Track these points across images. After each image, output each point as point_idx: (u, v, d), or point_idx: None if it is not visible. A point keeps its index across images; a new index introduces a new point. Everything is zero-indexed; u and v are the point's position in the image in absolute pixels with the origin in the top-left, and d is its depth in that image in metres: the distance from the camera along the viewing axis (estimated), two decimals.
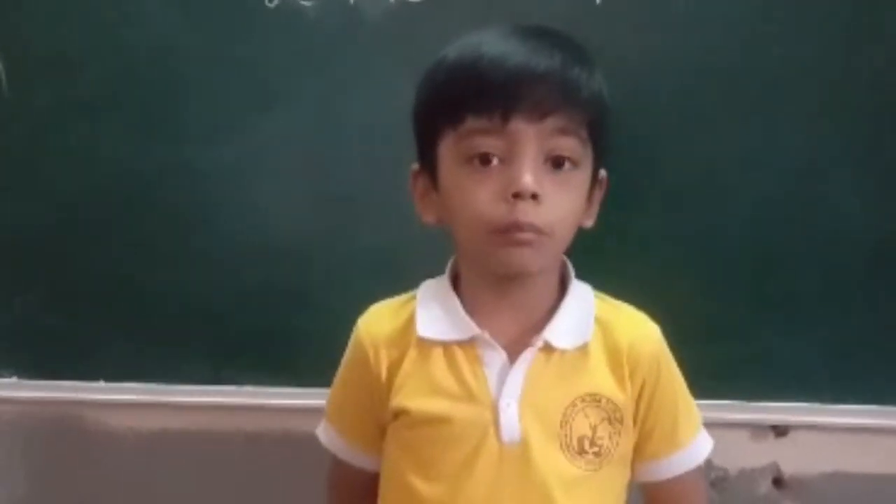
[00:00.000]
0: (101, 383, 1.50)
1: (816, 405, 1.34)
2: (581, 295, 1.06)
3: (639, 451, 1.07)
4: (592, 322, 1.03)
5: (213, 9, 1.39)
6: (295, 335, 1.39)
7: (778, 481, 1.39)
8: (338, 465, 1.16)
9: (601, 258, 1.33)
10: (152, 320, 1.47)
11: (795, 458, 1.38)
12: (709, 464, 1.38)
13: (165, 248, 1.46)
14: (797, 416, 1.35)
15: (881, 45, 1.26)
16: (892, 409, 1.33)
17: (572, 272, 1.07)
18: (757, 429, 1.38)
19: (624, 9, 1.29)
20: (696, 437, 1.09)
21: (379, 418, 1.07)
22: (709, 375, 1.34)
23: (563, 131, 0.95)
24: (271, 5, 1.37)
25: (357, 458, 1.13)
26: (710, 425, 1.33)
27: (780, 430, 1.36)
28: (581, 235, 1.32)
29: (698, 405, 1.31)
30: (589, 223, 1.05)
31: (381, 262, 1.36)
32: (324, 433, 1.16)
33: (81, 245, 1.48)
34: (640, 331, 1.06)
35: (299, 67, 1.38)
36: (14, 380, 1.53)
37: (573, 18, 1.29)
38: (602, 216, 1.32)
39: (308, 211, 1.40)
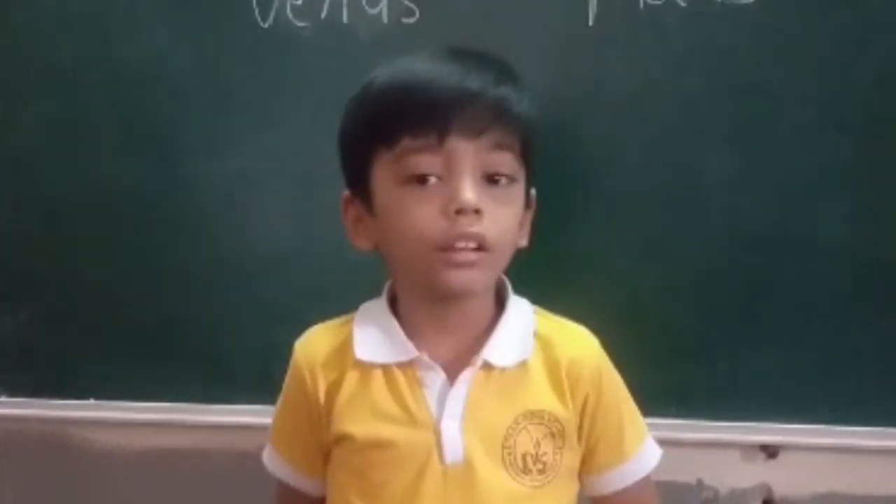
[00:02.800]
0: (91, 401, 1.50)
1: (807, 426, 1.34)
2: (520, 311, 1.06)
3: (586, 465, 1.06)
4: (531, 338, 1.03)
5: (208, 28, 1.40)
6: (286, 353, 1.39)
7: (768, 502, 1.38)
8: (283, 491, 1.15)
9: (588, 277, 1.35)
10: (142, 338, 1.47)
11: (786, 478, 1.37)
12: (699, 484, 1.39)
13: (156, 266, 1.46)
14: (788, 437, 1.35)
15: (868, 65, 1.27)
16: (884, 430, 1.33)
17: (510, 289, 1.06)
18: (747, 449, 1.37)
19: (616, 30, 1.30)
20: (642, 447, 1.09)
21: (321, 442, 1.07)
22: (699, 396, 1.35)
23: (500, 146, 0.95)
24: (265, 25, 1.38)
25: (302, 482, 1.12)
26: (700, 445, 1.35)
27: (770, 451, 1.36)
28: (571, 255, 1.33)
29: (690, 425, 1.33)
30: (524, 242, 1.05)
31: (375, 280, 1.35)
32: (268, 459, 1.15)
33: (71, 263, 1.48)
34: (580, 345, 1.06)
35: (293, 86, 1.38)
36: (4, 398, 1.53)
37: (566, 39, 1.31)
38: (592, 232, 1.34)
39: (301, 229, 1.41)
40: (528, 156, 0.99)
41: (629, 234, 1.35)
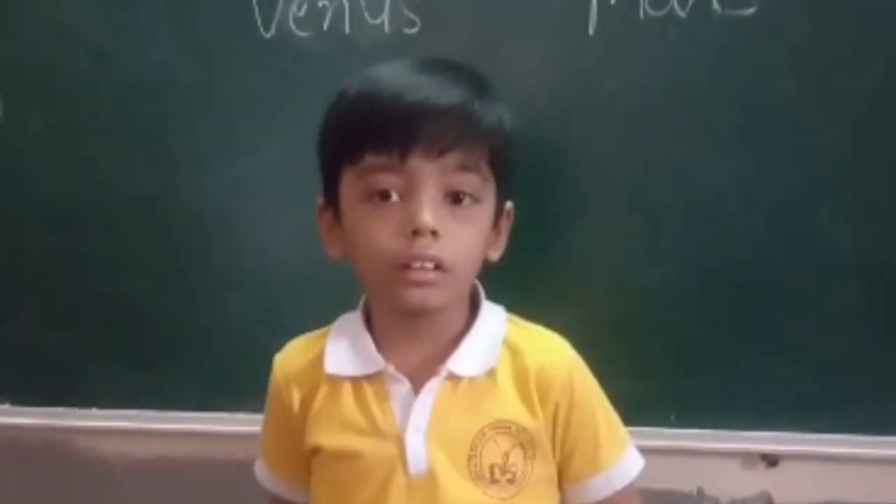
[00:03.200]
0: (94, 410, 1.51)
1: (808, 434, 1.34)
2: (491, 319, 1.05)
3: (563, 474, 1.05)
4: (499, 347, 1.02)
5: (210, 38, 1.41)
6: None
7: None
8: (273, 502, 1.17)
9: (586, 284, 1.35)
10: (145, 346, 1.48)
11: (787, 487, 1.37)
12: (700, 493, 1.39)
13: (160, 274, 1.46)
14: (788, 446, 1.35)
15: (869, 74, 1.27)
16: (884, 439, 1.32)
17: (482, 296, 1.06)
18: (748, 458, 1.37)
19: (616, 39, 1.30)
20: (620, 457, 1.07)
21: (302, 454, 1.07)
22: (699, 404, 1.34)
23: (463, 167, 0.95)
24: (268, 35, 1.39)
25: (288, 493, 1.14)
26: (701, 454, 1.34)
27: (771, 460, 1.36)
28: (569, 262, 1.34)
29: (690, 434, 1.32)
30: (495, 256, 1.05)
31: None
32: (259, 471, 1.17)
33: (74, 270, 1.48)
34: (551, 353, 1.04)
35: (294, 96, 1.39)
36: (6, 406, 1.54)
37: (566, 49, 1.32)
38: (592, 240, 1.34)
39: (303, 238, 1.40)
40: (499, 171, 0.99)
41: (629, 241, 1.35)
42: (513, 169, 1.02)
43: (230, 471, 1.47)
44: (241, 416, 1.45)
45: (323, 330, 1.10)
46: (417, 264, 0.93)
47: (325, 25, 1.37)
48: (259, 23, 1.39)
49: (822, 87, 1.28)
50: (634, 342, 1.33)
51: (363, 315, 1.06)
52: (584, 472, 1.05)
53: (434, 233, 0.93)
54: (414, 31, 1.35)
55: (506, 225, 1.06)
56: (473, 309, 1.06)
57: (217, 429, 1.46)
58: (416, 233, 0.92)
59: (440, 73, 0.97)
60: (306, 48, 1.38)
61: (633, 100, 1.32)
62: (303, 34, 1.38)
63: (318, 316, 1.34)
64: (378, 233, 0.95)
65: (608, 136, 1.33)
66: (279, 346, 1.39)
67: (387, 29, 1.35)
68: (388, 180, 0.94)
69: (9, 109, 1.47)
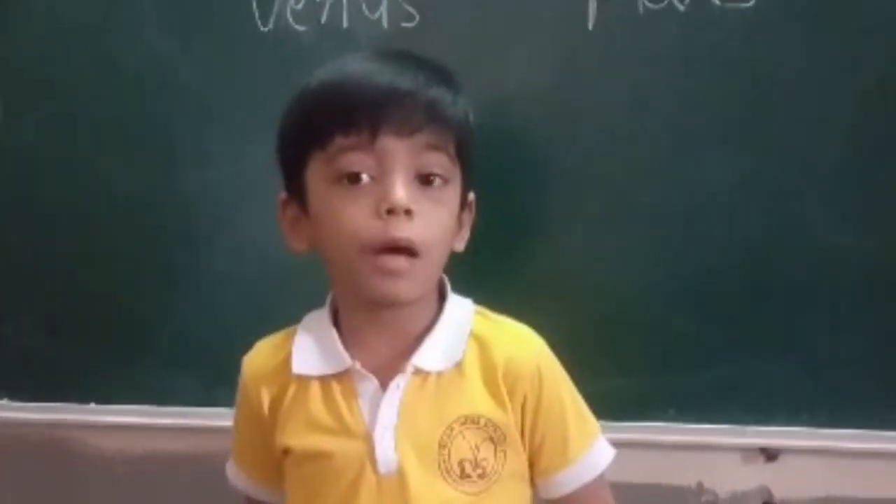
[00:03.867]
0: (92, 405, 1.50)
1: (807, 429, 1.34)
2: (458, 313, 1.04)
3: (533, 468, 1.04)
4: (465, 340, 1.01)
5: (208, 32, 1.41)
6: None
7: None
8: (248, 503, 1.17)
9: (586, 281, 1.35)
10: (143, 342, 1.48)
11: (786, 482, 1.37)
12: (699, 487, 1.39)
13: (157, 270, 1.46)
14: (788, 440, 1.35)
15: (868, 68, 1.27)
16: (884, 433, 1.32)
17: (448, 289, 1.05)
18: (747, 452, 1.37)
19: (616, 34, 1.30)
20: (590, 449, 1.06)
21: (273, 455, 1.07)
22: (699, 399, 1.34)
23: (433, 147, 0.95)
24: (265, 29, 1.38)
25: (262, 494, 1.14)
26: (700, 448, 1.34)
27: (770, 454, 1.36)
28: (567, 259, 1.33)
29: (689, 429, 1.32)
30: (460, 247, 1.04)
31: None
32: (231, 473, 1.16)
33: (72, 267, 1.49)
34: (518, 345, 1.03)
35: (293, 90, 1.37)
36: (4, 402, 1.54)
37: (565, 43, 1.31)
38: (591, 236, 1.34)
39: None
40: (463, 158, 0.99)
41: (627, 237, 1.35)
42: (473, 164, 1.02)
43: None
44: None
45: (291, 328, 1.09)
46: (392, 246, 0.92)
47: (323, 19, 1.36)
48: (257, 17, 1.38)
49: (822, 80, 1.28)
50: (634, 338, 1.33)
51: (330, 312, 1.05)
52: (554, 466, 1.04)
53: (408, 211, 0.92)
54: (412, 24, 1.34)
55: (468, 217, 1.05)
56: (441, 303, 1.04)
57: (215, 423, 1.45)
58: (390, 212, 0.92)
59: (403, 60, 0.98)
60: (304, 42, 1.38)
61: (631, 94, 1.32)
62: (301, 28, 1.37)
63: (314, 310, 1.34)
64: (350, 215, 0.93)
65: (606, 130, 1.33)
66: None
67: (385, 23, 1.35)
68: (358, 161, 0.93)
69: (7, 109, 1.47)
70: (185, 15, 1.41)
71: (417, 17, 1.34)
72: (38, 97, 1.46)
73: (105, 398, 1.50)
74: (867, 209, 1.30)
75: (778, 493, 1.38)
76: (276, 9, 1.38)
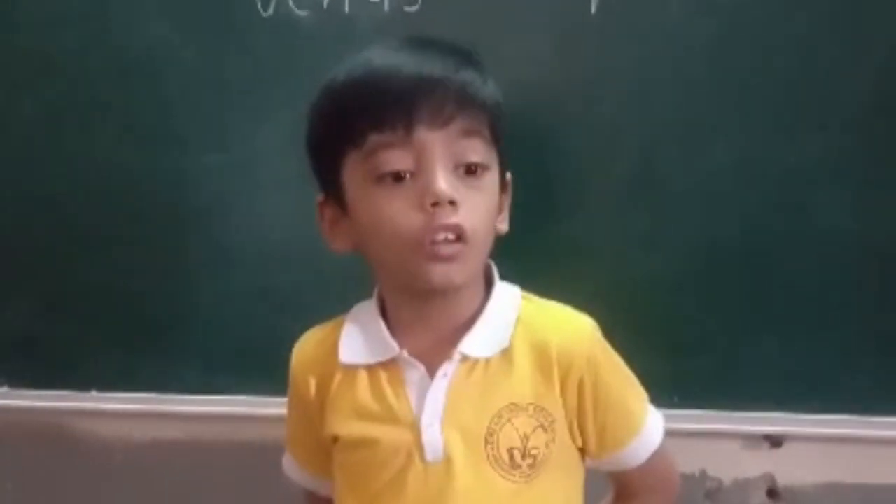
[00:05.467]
0: (93, 393, 1.50)
1: (811, 416, 1.34)
2: (505, 299, 1.03)
3: (598, 447, 1.03)
4: (512, 326, 1.00)
5: (209, 17, 1.40)
6: (287, 344, 1.38)
7: (772, 492, 1.38)
8: (307, 497, 1.16)
9: (589, 266, 1.34)
10: (144, 329, 1.47)
11: (790, 468, 1.37)
12: (703, 474, 1.39)
13: (158, 256, 1.46)
14: (792, 427, 1.35)
15: (870, 56, 1.26)
16: (888, 420, 1.33)
17: (496, 276, 1.04)
18: (751, 439, 1.37)
19: (619, 18, 1.30)
20: (649, 413, 1.07)
21: (323, 443, 1.06)
22: (703, 385, 1.34)
23: (469, 133, 0.93)
24: (267, 14, 1.38)
25: (319, 485, 1.13)
26: (704, 435, 1.34)
27: (774, 441, 1.36)
28: (571, 244, 1.33)
29: (693, 415, 1.32)
30: (504, 228, 1.03)
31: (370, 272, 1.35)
32: (287, 465, 1.16)
33: (72, 254, 1.48)
34: (569, 329, 1.02)
35: (294, 76, 1.37)
36: (5, 389, 1.53)
37: (569, 27, 1.31)
38: (595, 222, 1.34)
39: (301, 218, 1.39)
40: (497, 141, 0.98)
41: (631, 222, 1.35)
42: (506, 142, 1.00)
43: (228, 452, 1.48)
44: (239, 398, 1.45)
45: (338, 319, 1.08)
46: (441, 236, 0.92)
47: (325, 4, 1.36)
48: (258, 2, 1.38)
49: (825, 67, 1.28)
50: (637, 324, 1.32)
51: (377, 303, 1.05)
52: (622, 439, 1.04)
53: (452, 202, 0.91)
54: (414, 8, 1.34)
55: (507, 197, 1.04)
56: (487, 290, 1.04)
57: (217, 410, 1.46)
58: (435, 205, 0.91)
59: (427, 47, 0.96)
60: (305, 27, 1.37)
61: (635, 78, 1.31)
62: (302, 13, 1.37)
63: (316, 299, 1.33)
64: (394, 212, 0.92)
65: (609, 115, 1.32)
66: (276, 329, 1.39)
67: (387, 7, 1.35)
68: (397, 159, 0.92)
69: (6, 93, 1.46)
70: (187, 0, 1.40)
71: (420, 1, 1.34)
72: (36, 81, 1.45)
73: (105, 386, 1.49)
74: (869, 195, 1.30)
75: (782, 480, 1.38)
76: None
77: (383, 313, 1.04)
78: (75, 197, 1.46)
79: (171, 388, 1.48)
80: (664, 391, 1.32)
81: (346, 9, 1.35)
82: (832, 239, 1.30)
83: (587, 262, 1.35)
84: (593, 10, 1.30)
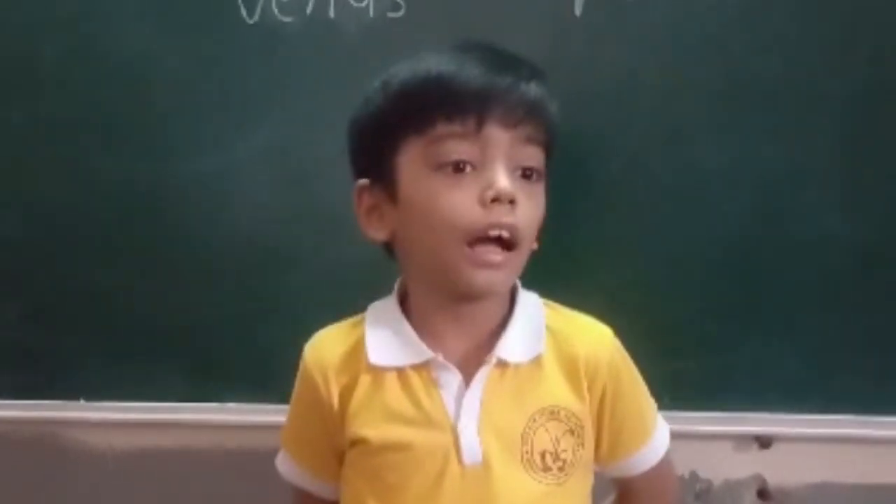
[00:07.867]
0: (81, 402, 1.49)
1: (801, 416, 1.34)
2: (530, 306, 1.05)
3: (612, 452, 1.06)
4: (544, 333, 1.02)
5: (194, 24, 1.39)
6: (276, 351, 1.38)
7: (762, 493, 1.38)
8: (298, 496, 1.15)
9: (580, 270, 1.34)
10: (131, 337, 1.46)
11: (780, 469, 1.37)
12: (693, 476, 1.38)
13: (144, 264, 1.45)
14: (781, 427, 1.35)
15: (860, 57, 1.27)
16: (877, 420, 1.33)
17: (518, 283, 1.06)
18: (741, 440, 1.37)
19: (604, 20, 1.30)
20: (659, 419, 1.12)
21: (335, 446, 1.06)
22: (692, 386, 1.34)
23: (532, 140, 0.96)
24: (252, 21, 1.37)
25: (317, 486, 1.12)
26: (694, 437, 1.34)
27: (764, 442, 1.36)
28: (563, 249, 1.33)
29: (683, 417, 1.32)
30: (535, 245, 1.04)
31: (362, 277, 1.34)
32: (282, 464, 1.15)
33: (59, 262, 1.47)
34: (595, 338, 1.05)
35: (279, 82, 1.38)
36: None
37: (553, 29, 1.31)
38: (583, 225, 1.34)
39: (288, 226, 1.40)
40: (550, 153, 1.00)
41: (621, 226, 1.35)
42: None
43: (219, 461, 1.47)
44: (228, 405, 1.45)
45: (353, 319, 1.08)
46: (494, 233, 0.93)
47: (309, 10, 1.36)
48: (243, 9, 1.37)
49: (814, 68, 1.28)
50: (626, 326, 1.32)
51: (398, 303, 1.05)
52: (633, 446, 1.07)
53: (512, 201, 0.93)
54: (399, 14, 1.34)
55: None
56: (511, 296, 1.05)
57: (205, 418, 1.45)
58: (495, 200, 0.92)
59: (503, 54, 0.99)
60: (290, 33, 1.37)
61: (621, 81, 1.31)
62: (287, 19, 1.36)
63: (304, 306, 1.34)
64: (453, 202, 0.93)
65: (595, 118, 1.32)
66: (264, 336, 1.40)
67: (371, 12, 1.34)
68: (461, 149, 0.94)
69: None
70: (171, 7, 1.40)
71: (404, 7, 1.34)
72: (23, 88, 1.44)
73: (94, 394, 1.48)
74: (862, 196, 1.30)
75: (772, 481, 1.38)
76: (261, 1, 1.36)
77: (405, 313, 1.04)
78: (61, 205, 1.45)
79: (159, 397, 1.47)
80: (654, 392, 1.32)
81: (331, 14, 1.35)
82: (822, 241, 1.30)
83: (576, 265, 1.34)
84: (578, 12, 1.30)
